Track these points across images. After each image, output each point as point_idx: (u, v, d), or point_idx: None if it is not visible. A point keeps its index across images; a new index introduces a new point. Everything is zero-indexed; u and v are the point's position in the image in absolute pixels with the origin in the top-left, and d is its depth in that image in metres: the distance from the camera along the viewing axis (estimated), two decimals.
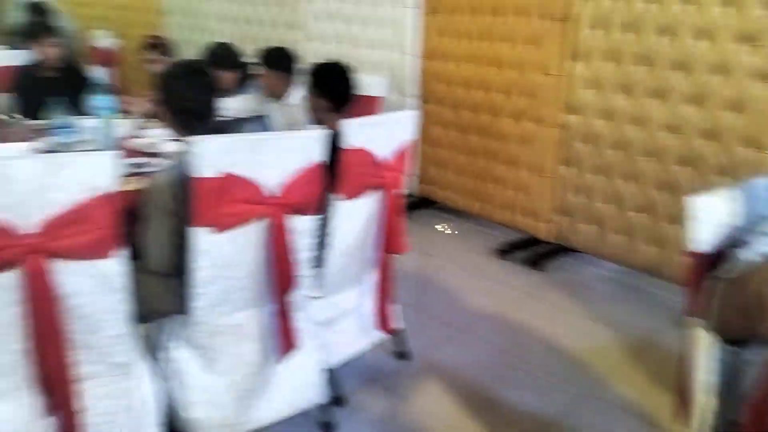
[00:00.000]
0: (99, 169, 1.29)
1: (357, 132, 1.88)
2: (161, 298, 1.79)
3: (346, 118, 1.91)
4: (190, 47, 5.19)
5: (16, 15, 5.36)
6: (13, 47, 3.84)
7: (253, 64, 3.32)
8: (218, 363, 1.80)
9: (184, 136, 1.78)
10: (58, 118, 2.10)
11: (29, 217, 1.26)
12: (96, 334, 1.47)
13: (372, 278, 2.27)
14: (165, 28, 5.48)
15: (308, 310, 1.99)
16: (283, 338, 1.81)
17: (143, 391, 1.66)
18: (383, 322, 2.28)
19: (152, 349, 1.80)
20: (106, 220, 1.33)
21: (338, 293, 2.17)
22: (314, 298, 2.06)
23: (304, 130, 2.64)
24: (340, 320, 2.21)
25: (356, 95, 2.35)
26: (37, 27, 3.29)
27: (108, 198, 1.32)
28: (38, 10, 4.39)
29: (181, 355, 1.77)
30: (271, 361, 1.87)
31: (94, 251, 1.36)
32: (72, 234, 1.30)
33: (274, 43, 3.28)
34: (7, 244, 1.23)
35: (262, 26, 4.57)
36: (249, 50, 3.56)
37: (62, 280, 1.35)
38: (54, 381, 1.40)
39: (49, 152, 2.30)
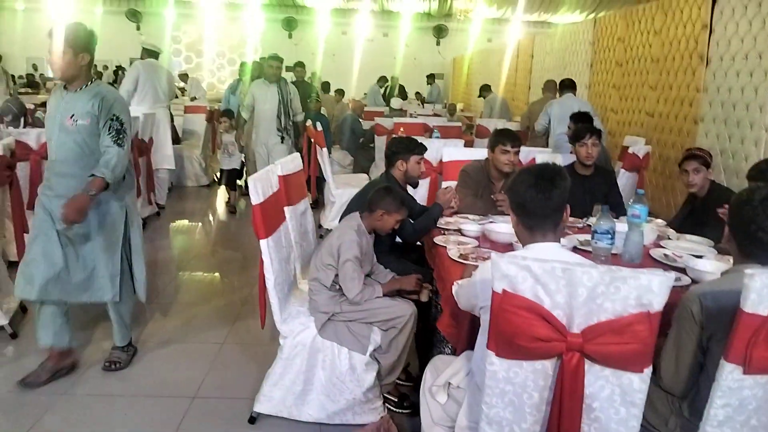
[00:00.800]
0: (654, 289, 1.31)
1: None
2: (663, 416, 1.70)
3: None
4: (724, 158, 4.92)
5: (542, 123, 6.14)
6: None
7: None
8: None
9: (743, 262, 1.65)
10: (603, 223, 2.24)
11: (577, 317, 1.38)
12: None
13: None
14: (698, 137, 5.35)
15: None
16: None
17: None
18: None
19: None
20: (646, 338, 1.34)
21: None
22: None
23: None
24: None
25: None
26: (584, 130, 3.64)
27: (653, 316, 1.33)
28: (584, 117, 4.92)
29: None
30: None
31: (625, 363, 1.38)
32: (610, 342, 1.36)
33: None
34: (556, 337, 1.37)
35: None
36: None
37: (589, 381, 1.41)
38: None
39: (581, 250, 2.51)
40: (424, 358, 2.84)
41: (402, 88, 13.70)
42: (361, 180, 5.81)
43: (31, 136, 4.09)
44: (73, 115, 2.69)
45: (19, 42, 17.81)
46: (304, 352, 2.48)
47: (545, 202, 1.68)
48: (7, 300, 3.36)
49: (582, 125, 3.97)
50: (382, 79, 12.70)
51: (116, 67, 16.04)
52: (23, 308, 3.58)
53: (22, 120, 4.99)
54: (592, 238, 2.30)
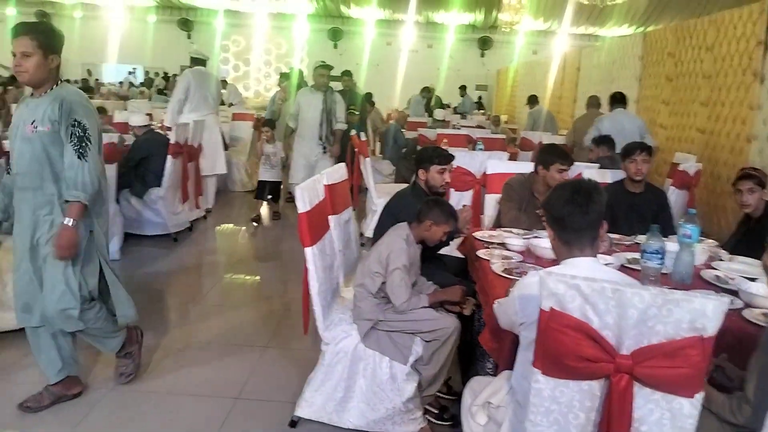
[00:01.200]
0: (708, 313, 1.29)
1: None
2: None
3: None
4: None
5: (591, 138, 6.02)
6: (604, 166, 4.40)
7: None
8: None
9: None
10: (652, 242, 2.20)
11: (627, 339, 1.36)
12: None
13: None
14: (751, 155, 5.19)
15: None
16: None
17: None
18: None
19: None
20: (698, 362, 1.32)
21: None
22: None
23: None
24: None
25: None
26: (634, 146, 3.58)
27: (705, 341, 1.30)
28: (606, 140, 4.86)
29: None
30: None
31: (676, 387, 1.36)
32: (660, 366, 1.34)
33: None
34: (605, 358, 1.36)
35: None
36: None
37: (638, 404, 1.40)
38: None
39: (629, 269, 2.48)
40: (465, 372, 2.84)
41: (439, 99, 13.68)
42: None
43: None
44: (33, 121, 2.44)
45: (76, 48, 18.54)
46: (346, 360, 2.51)
47: (582, 216, 1.70)
48: None
49: (637, 143, 3.87)
50: (426, 90, 12.72)
51: (164, 74, 16.53)
52: None
53: None
54: (642, 257, 2.26)
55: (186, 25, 18.00)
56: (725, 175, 5.46)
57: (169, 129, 5.72)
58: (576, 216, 1.69)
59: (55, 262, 2.49)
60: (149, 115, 6.30)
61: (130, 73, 18.50)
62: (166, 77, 16.07)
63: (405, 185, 6.48)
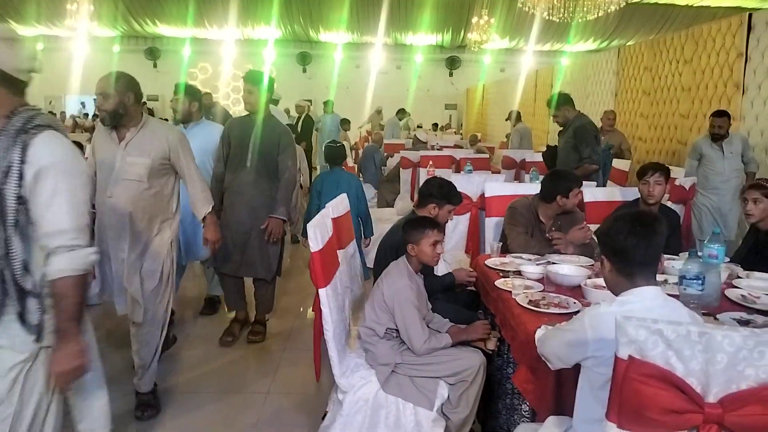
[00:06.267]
0: None
1: None
2: None
3: None
4: None
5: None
6: None
7: None
8: None
9: None
10: (691, 267, 2.11)
11: (714, 386, 1.24)
12: None
13: None
14: None
15: None
16: None
17: None
18: None
19: None
20: None
21: None
22: None
23: None
24: None
25: None
26: (647, 167, 3.48)
27: None
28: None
29: None
30: None
31: None
32: (753, 413, 1.22)
33: None
34: (692, 409, 1.23)
35: None
36: None
37: None
38: None
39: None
40: (483, 412, 2.68)
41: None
42: (390, 215, 5.73)
43: None
44: None
45: (37, 81, 18.06)
46: (366, 408, 2.33)
47: (647, 249, 1.63)
48: None
49: (648, 163, 3.74)
50: (402, 111, 12.68)
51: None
52: None
53: None
54: (681, 283, 2.16)
55: (152, 54, 17.72)
56: None
57: None
58: (640, 248, 1.62)
59: None
60: None
61: (82, 104, 18.02)
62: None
63: (392, 209, 6.40)
